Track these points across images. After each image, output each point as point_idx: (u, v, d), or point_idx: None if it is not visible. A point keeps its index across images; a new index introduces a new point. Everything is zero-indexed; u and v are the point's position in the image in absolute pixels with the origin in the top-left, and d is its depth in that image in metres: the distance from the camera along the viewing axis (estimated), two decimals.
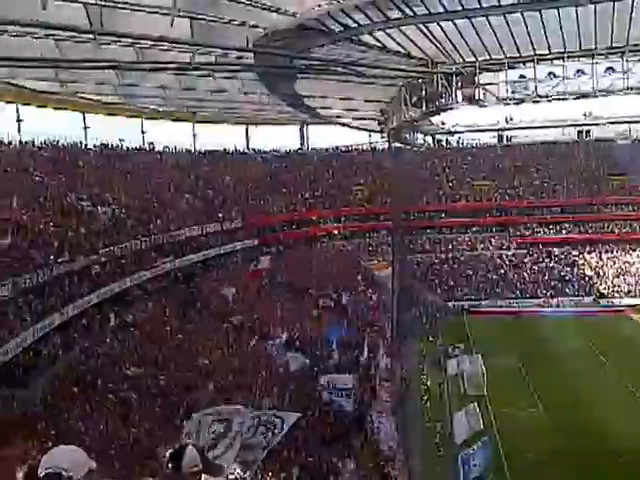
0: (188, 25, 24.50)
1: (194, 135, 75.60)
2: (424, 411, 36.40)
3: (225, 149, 79.85)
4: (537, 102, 36.81)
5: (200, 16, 24.31)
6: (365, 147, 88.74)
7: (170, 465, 4.45)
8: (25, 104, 54.84)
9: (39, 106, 55.30)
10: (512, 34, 31.15)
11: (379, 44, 31.90)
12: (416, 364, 45.47)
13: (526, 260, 73.80)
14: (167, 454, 4.53)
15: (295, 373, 35.31)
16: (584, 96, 35.87)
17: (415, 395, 39.35)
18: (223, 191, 67.56)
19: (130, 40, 26.83)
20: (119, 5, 22.88)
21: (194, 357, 34.89)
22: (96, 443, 23.47)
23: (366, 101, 48.97)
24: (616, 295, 67.27)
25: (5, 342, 27.47)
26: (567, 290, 68.07)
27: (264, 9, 24.45)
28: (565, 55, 34.22)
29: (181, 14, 23.05)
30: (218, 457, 6.29)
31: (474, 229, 78.48)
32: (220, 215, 60.46)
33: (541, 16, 28.72)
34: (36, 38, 27.44)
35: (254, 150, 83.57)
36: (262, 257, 57.96)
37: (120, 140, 65.91)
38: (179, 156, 72.62)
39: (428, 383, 40.54)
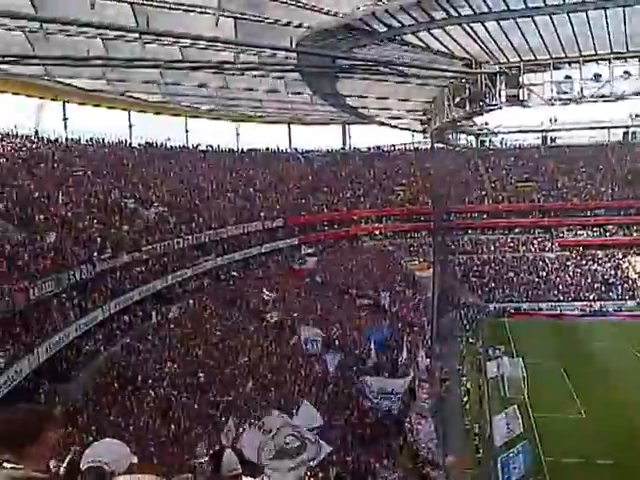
0: (232, 25, 24.70)
1: (237, 134, 76.37)
2: (464, 413, 36.07)
3: (267, 148, 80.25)
4: (582, 103, 36.25)
5: (244, 16, 24.47)
6: (407, 147, 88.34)
7: (210, 467, 4.48)
8: (72, 102, 55.86)
9: (85, 104, 56.36)
10: (558, 34, 30.72)
11: (422, 44, 31.76)
12: (456, 366, 45.05)
13: (569, 263, 72.49)
14: (207, 457, 4.55)
15: (334, 373, 35.29)
16: (630, 97, 35.26)
17: (455, 397, 39.05)
18: (265, 190, 67.90)
19: (174, 39, 27.13)
20: (165, 5, 23.13)
21: (234, 355, 35.11)
22: (135, 438, 23.80)
23: (409, 101, 48.77)
24: None
25: (49, 337, 28.00)
26: (610, 293, 66.53)
27: (308, 9, 24.51)
28: (611, 56, 33.64)
29: (225, 14, 23.23)
30: (262, 465, 6.39)
31: (516, 230, 77.39)
32: (261, 214, 60.73)
33: (587, 16, 28.26)
34: (88, 37, 27.86)
35: (296, 149, 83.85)
36: (308, 258, 58.24)
37: (167, 139, 66.79)
38: (222, 155, 73.30)
39: (468, 385, 40.16)
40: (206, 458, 4.59)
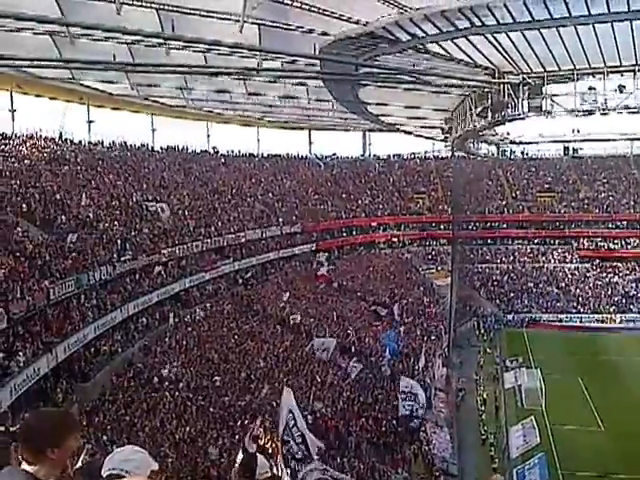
0: (256, 32, 24.86)
1: (258, 140, 76.72)
2: (479, 423, 35.86)
3: (288, 154, 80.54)
4: (606, 114, 36.02)
5: (268, 23, 24.63)
6: (427, 155, 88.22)
7: (242, 473, 4.51)
8: (96, 106, 56.51)
9: (109, 108, 57.08)
10: (582, 45, 30.57)
11: (445, 53, 31.75)
12: (473, 375, 44.85)
13: (589, 274, 71.83)
14: (236, 464, 4.59)
15: (352, 380, 35.33)
16: None
17: (471, 406, 38.90)
18: (284, 195, 68.09)
19: (199, 45, 27.35)
20: (189, 11, 23.33)
21: (249, 359, 35.20)
22: (150, 439, 23.96)
23: (430, 109, 48.76)
24: None
25: (67, 337, 28.24)
26: (631, 306, 65.88)
27: (332, 17, 24.62)
28: (636, 68, 33.45)
29: (250, 21, 23.39)
30: None
31: (536, 241, 76.92)
32: (280, 219, 60.90)
33: (612, 28, 28.12)
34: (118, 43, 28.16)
35: (316, 155, 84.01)
36: (322, 266, 58.46)
37: (188, 144, 67.29)
38: (242, 160, 73.59)
39: (484, 395, 39.97)
40: (236, 464, 4.63)
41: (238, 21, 22.59)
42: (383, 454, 28.69)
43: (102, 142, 56.55)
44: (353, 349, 40.71)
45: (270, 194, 66.52)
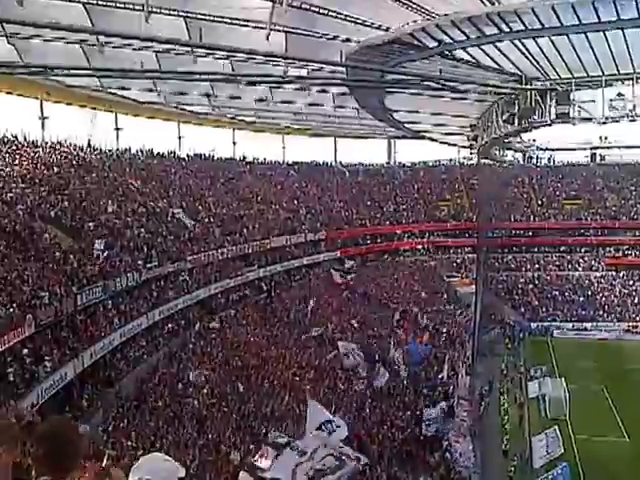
0: (283, 39, 24.93)
1: (283, 147, 76.98)
2: (502, 432, 35.49)
3: (313, 161, 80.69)
4: (634, 121, 35.59)
5: (295, 30, 24.69)
6: (453, 162, 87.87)
7: None
8: (124, 113, 57.08)
9: (136, 115, 57.64)
10: (611, 50, 30.22)
11: (472, 59, 31.59)
12: (496, 384, 44.43)
13: (615, 282, 71.00)
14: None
15: (377, 388, 35.18)
16: None
17: (494, 416, 38.55)
18: (309, 203, 68.15)
19: (226, 53, 27.49)
20: (217, 19, 23.46)
21: (273, 366, 35.19)
22: (174, 445, 24.02)
23: (456, 116, 48.54)
24: None
25: (94, 343, 28.45)
26: None
27: (358, 24, 24.60)
28: None
29: (277, 28, 23.47)
30: None
31: (562, 249, 76.15)
32: (305, 226, 60.93)
33: None
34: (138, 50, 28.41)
35: (341, 163, 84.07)
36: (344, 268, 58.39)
37: (212, 150, 67.62)
38: (268, 167, 73.84)
39: (508, 404, 39.55)
40: None
41: (265, 29, 22.65)
42: (406, 463, 28.48)
43: (129, 149, 57.08)
44: (377, 357, 40.46)
45: (295, 201, 66.67)
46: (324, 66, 30.51)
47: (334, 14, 23.44)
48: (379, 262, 70.36)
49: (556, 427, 34.00)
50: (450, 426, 32.79)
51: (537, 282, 71.92)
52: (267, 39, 23.06)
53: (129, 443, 23.55)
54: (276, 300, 48.55)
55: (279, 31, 23.98)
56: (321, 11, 23.26)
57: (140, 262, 36.13)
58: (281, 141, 77.00)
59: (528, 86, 33.96)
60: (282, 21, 23.42)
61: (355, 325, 47.04)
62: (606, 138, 77.53)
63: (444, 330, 52.28)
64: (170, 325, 37.17)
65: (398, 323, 50.56)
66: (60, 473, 3.31)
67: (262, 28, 22.84)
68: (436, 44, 28.57)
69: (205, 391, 30.12)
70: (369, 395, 34.38)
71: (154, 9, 23.66)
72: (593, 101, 34.47)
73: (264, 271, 51.05)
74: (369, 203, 77.09)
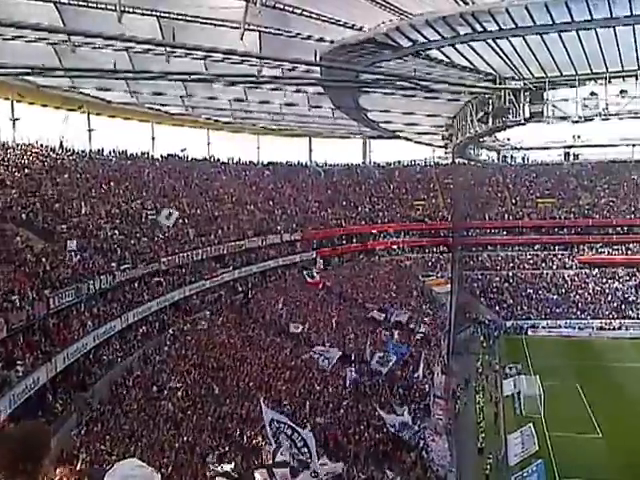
0: (257, 39, 24.79)
1: (258, 147, 76.76)
2: (478, 430, 35.65)
3: (288, 161, 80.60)
4: (607, 120, 36.00)
5: (269, 30, 24.55)
6: (428, 162, 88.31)
7: None
8: (96, 114, 56.53)
9: (108, 116, 57.13)
10: (584, 50, 30.55)
11: (446, 59, 31.70)
12: (472, 382, 44.69)
13: (589, 280, 71.75)
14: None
15: (351, 388, 35.13)
16: None
17: (470, 414, 38.71)
18: (284, 203, 67.99)
19: (200, 53, 27.27)
20: (190, 19, 23.25)
21: (249, 367, 34.99)
22: (148, 448, 23.77)
23: (431, 116, 48.72)
24: None
25: (67, 346, 28.04)
26: (630, 312, 65.78)
27: (333, 23, 24.54)
28: (639, 72, 33.43)
29: (251, 28, 23.31)
30: None
31: (536, 247, 76.80)
32: (279, 227, 60.76)
33: (615, 33, 28.11)
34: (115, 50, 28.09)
35: (316, 163, 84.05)
36: (312, 268, 58.14)
37: (184, 150, 67.21)
38: (242, 167, 73.60)
39: (483, 402, 39.75)
40: None
41: (239, 28, 22.47)
42: (382, 462, 28.44)
43: (102, 151, 56.55)
44: (352, 357, 40.44)
45: (270, 202, 66.45)
46: (298, 66, 30.37)
47: (308, 14, 23.34)
48: (355, 262, 70.33)
49: (531, 424, 34.20)
50: (426, 425, 32.91)
51: (512, 280, 72.44)
52: (241, 39, 22.88)
53: (103, 447, 23.25)
54: (252, 301, 48.29)
55: (253, 31, 23.83)
56: (295, 11, 23.15)
57: (114, 264, 35.74)
58: (256, 141, 76.77)
59: (502, 85, 34.19)
60: (256, 21, 23.26)
61: (331, 325, 46.92)
62: (579, 137, 78.67)
63: (420, 329, 52.37)
64: (144, 328, 36.79)
65: (374, 323, 50.63)
66: (25, 477, 3.23)
67: (236, 28, 22.65)
68: (410, 44, 28.63)
69: (180, 394, 29.84)
70: (345, 395, 34.31)
71: (127, 9, 23.42)
72: (566, 100, 34.87)
73: (239, 272, 50.77)
74: (344, 203, 77.18)
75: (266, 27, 24.21)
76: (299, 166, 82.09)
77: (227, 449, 25.01)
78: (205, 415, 28.30)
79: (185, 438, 25.68)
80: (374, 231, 75.14)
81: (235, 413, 28.99)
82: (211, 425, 27.49)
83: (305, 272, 57.55)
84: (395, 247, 76.03)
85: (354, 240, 72.51)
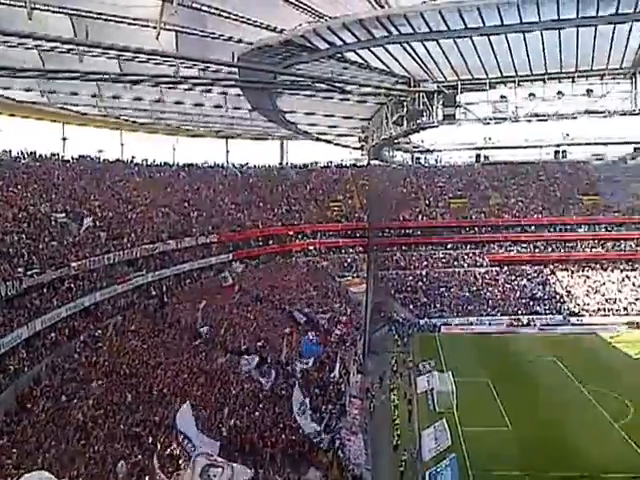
0: (173, 38, 24.21)
1: (174, 148, 75.48)
2: (393, 428, 36.01)
3: (204, 163, 79.53)
4: (517, 122, 37.12)
5: (186, 30, 24.02)
6: (344, 163, 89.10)
7: None
8: (4, 114, 54.15)
9: (17, 116, 54.83)
10: (495, 55, 31.40)
11: (362, 61, 31.88)
12: (387, 381, 45.19)
13: (499, 277, 74.23)
14: None
15: (267, 391, 34.84)
16: (562, 117, 36.40)
17: (385, 412, 39.00)
18: (200, 205, 66.93)
19: (114, 52, 26.42)
20: (105, 17, 22.49)
21: (162, 373, 34.14)
22: (57, 459, 22.84)
23: (347, 118, 49.00)
24: (585, 313, 67.92)
25: None
26: (538, 308, 68.48)
27: (250, 25, 24.24)
28: (546, 77, 34.65)
29: (167, 27, 22.74)
30: None
31: (449, 246, 78.77)
32: (195, 229, 59.74)
33: (524, 38, 28.98)
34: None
35: (233, 164, 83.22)
36: (227, 271, 57.29)
37: (99, 151, 65.55)
38: (157, 169, 72.10)
39: (397, 400, 40.24)
40: None
41: (155, 28, 21.87)
42: (298, 464, 28.34)
43: (10, 152, 54.34)
44: (269, 359, 40.14)
45: (185, 204, 65.26)
46: (215, 66, 29.88)
47: (226, 14, 22.95)
48: (272, 264, 70.00)
49: (444, 420, 34.86)
50: (341, 425, 33.06)
51: (425, 279, 74.02)
52: (157, 38, 22.27)
53: (9, 461, 22.19)
54: (167, 305, 47.16)
55: (169, 30, 23.25)
56: (212, 11, 22.73)
57: (20, 269, 34.27)
58: (171, 143, 75.48)
59: (416, 88, 34.70)
60: (173, 20, 22.70)
61: (247, 328, 46.43)
62: (490, 139, 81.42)
63: (336, 329, 52.60)
64: (53, 335, 35.35)
65: (291, 324, 50.49)
66: None
67: (153, 27, 22.04)
68: (327, 46, 28.63)
69: (91, 402, 28.82)
70: (261, 398, 34.01)
71: (37, 5, 22.40)
72: (478, 103, 35.82)
73: (153, 276, 49.53)
74: (261, 204, 76.81)
75: (183, 27, 23.67)
76: (216, 167, 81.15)
77: (139, 457, 24.30)
78: (117, 423, 27.41)
79: (96, 448, 24.79)
80: (291, 232, 75.09)
81: (148, 420, 28.20)
82: (123, 433, 26.65)
83: (221, 275, 56.69)
84: (312, 248, 76.28)
85: (271, 242, 72.12)
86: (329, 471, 28.22)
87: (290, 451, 28.92)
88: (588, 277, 74.02)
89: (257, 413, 31.75)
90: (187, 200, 66.35)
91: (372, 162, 56.71)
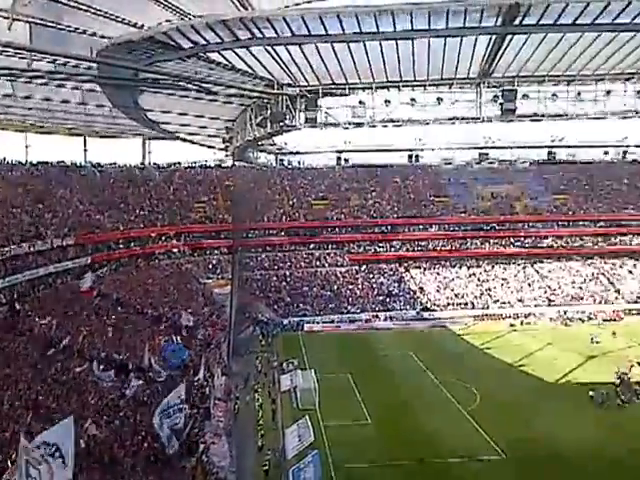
0: (27, 30, 23.20)
1: (26, 146, 71.70)
2: (257, 429, 36.31)
3: (60, 162, 76.18)
4: (374, 127, 38.59)
5: (41, 22, 23.09)
6: (208, 164, 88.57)
7: None
8: None
9: None
10: (354, 61, 32.51)
11: (227, 63, 31.95)
12: (251, 381, 45.50)
13: (358, 276, 76.75)
14: None
15: (129, 398, 33.99)
16: (415, 123, 38.28)
17: (250, 413, 39.20)
18: (55, 206, 63.96)
19: None
20: None
21: (13, 386, 32.22)
22: None
23: (212, 118, 48.76)
24: (437, 308, 71.76)
25: None
26: (394, 304, 71.52)
27: (112, 19, 23.68)
28: (400, 84, 36.30)
29: (20, 18, 21.78)
30: None
31: (311, 246, 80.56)
32: (50, 232, 56.96)
33: (381, 46, 30.22)
34: None
35: (92, 163, 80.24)
36: (85, 275, 54.99)
37: None
38: (8, 168, 68.24)
39: (261, 400, 40.58)
40: None
41: (7, 18, 20.90)
42: (161, 470, 27.90)
43: None
44: (131, 366, 39.08)
45: (40, 205, 62.12)
46: (72, 61, 28.84)
47: (85, 8, 22.29)
48: (133, 266, 68.10)
49: (307, 417, 35.51)
50: (207, 429, 32.93)
51: (289, 279, 75.10)
52: (9, 29, 21.29)
53: None
54: (19, 313, 44.35)
55: (22, 21, 22.26)
56: (70, 3, 22.01)
57: None
58: (24, 140, 71.69)
59: (279, 91, 35.23)
60: (26, 11, 21.77)
61: (106, 334, 44.87)
62: (350, 142, 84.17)
63: (200, 332, 52.18)
64: None
65: (152, 328, 49.49)
66: None
67: (5, 18, 21.04)
68: (191, 45, 28.45)
69: None
70: (122, 406, 33.10)
71: None
72: (338, 107, 36.97)
73: (3, 282, 46.48)
74: (122, 205, 74.52)
75: (38, 18, 22.73)
76: (73, 166, 77.89)
77: None
78: None
79: None
80: (153, 234, 73.50)
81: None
82: None
83: (79, 280, 54.25)
84: (175, 250, 75.14)
85: (132, 244, 70.12)
86: (193, 476, 28.04)
87: (152, 459, 28.44)
88: (438, 274, 78.77)
89: (117, 422, 30.88)
90: (41, 201, 63.11)
91: (236, 163, 56.72)
